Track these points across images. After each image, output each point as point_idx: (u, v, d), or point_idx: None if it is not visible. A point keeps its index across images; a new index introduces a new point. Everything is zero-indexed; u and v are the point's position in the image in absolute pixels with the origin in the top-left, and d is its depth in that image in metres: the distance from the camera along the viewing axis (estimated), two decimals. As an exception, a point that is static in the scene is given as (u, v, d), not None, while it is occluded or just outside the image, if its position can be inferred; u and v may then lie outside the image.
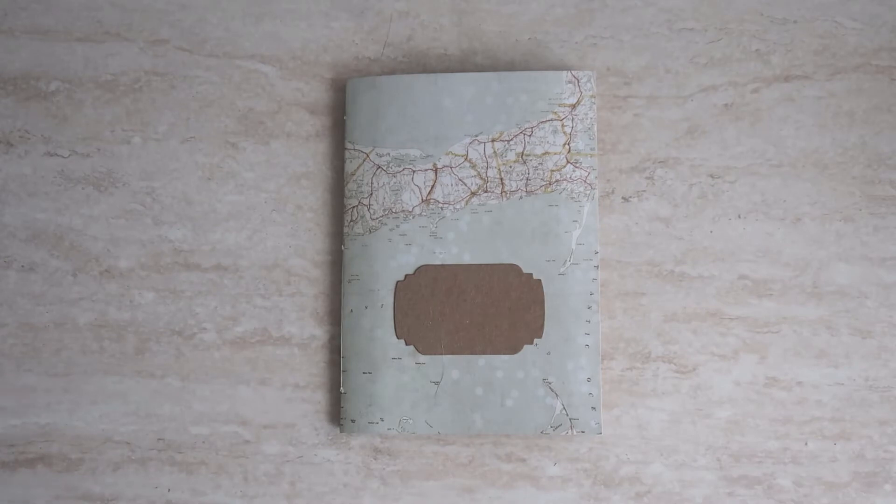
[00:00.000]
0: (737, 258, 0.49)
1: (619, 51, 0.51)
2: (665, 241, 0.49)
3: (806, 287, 0.49)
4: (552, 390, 0.46)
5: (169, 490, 0.48)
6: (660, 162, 0.50)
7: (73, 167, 0.51)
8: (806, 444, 0.47)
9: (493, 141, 0.48)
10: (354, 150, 0.48)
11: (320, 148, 0.50)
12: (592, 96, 0.48)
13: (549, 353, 0.46)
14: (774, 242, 0.49)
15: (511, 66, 0.51)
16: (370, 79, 0.49)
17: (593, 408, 0.46)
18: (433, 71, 0.51)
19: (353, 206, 0.48)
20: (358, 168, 0.48)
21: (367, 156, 0.48)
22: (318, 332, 0.49)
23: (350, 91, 0.49)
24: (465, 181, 0.47)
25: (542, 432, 0.46)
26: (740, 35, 0.51)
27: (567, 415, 0.46)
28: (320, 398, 0.48)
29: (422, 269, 0.47)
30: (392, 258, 0.47)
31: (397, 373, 0.46)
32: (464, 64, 0.51)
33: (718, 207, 0.49)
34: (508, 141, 0.47)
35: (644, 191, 0.50)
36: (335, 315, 0.49)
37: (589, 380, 0.46)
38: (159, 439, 0.48)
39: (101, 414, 0.48)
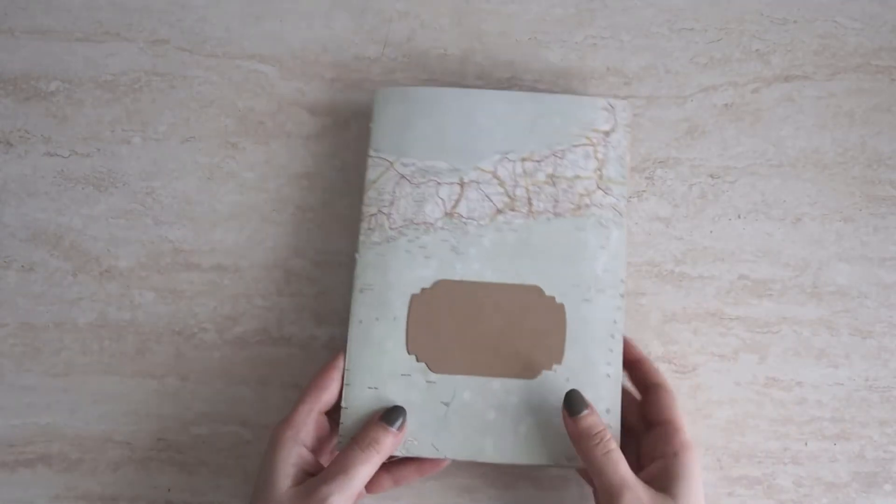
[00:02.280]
0: (737, 258, 0.49)
1: (619, 51, 0.51)
2: (665, 241, 0.49)
3: (806, 287, 0.49)
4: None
5: (169, 490, 0.48)
6: (660, 162, 0.50)
7: (73, 167, 0.51)
8: (806, 444, 0.47)
9: (522, 160, 0.46)
10: (378, 158, 0.47)
11: (320, 148, 0.50)
12: (627, 125, 0.46)
13: (567, 380, 0.43)
14: (774, 242, 0.49)
15: (511, 67, 0.51)
16: (400, 89, 0.48)
17: None
18: (433, 71, 0.51)
19: (372, 214, 0.46)
20: (380, 177, 0.47)
21: (392, 165, 0.46)
22: (318, 332, 0.49)
23: (378, 100, 0.48)
24: (492, 198, 0.46)
25: (555, 463, 0.43)
26: (740, 35, 0.51)
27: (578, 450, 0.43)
28: (320, 398, 0.48)
29: (440, 284, 0.45)
30: (409, 270, 0.45)
31: (405, 390, 0.44)
32: (464, 64, 0.51)
33: (718, 207, 0.49)
34: (539, 161, 0.46)
35: (644, 191, 0.50)
36: (335, 315, 0.49)
37: (608, 411, 0.43)
38: (159, 439, 0.48)
39: (101, 414, 0.48)
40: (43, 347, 0.49)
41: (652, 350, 0.48)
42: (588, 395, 0.43)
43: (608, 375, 0.43)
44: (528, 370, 0.44)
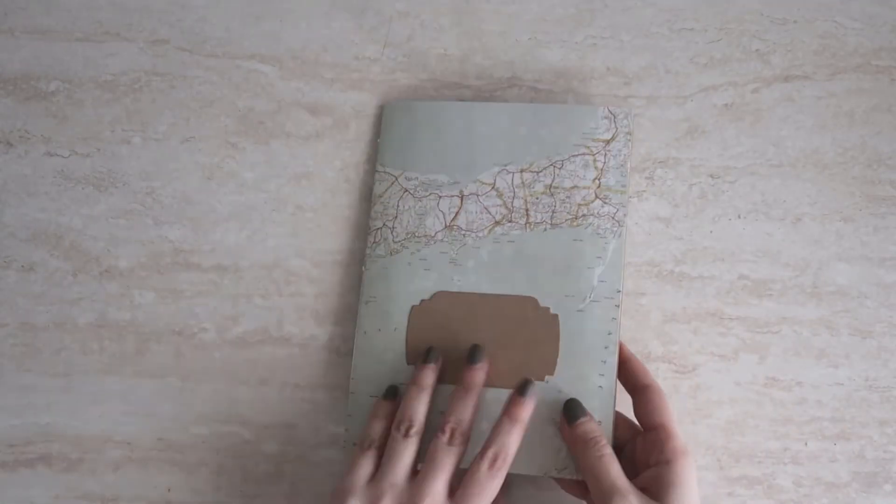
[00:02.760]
0: (737, 258, 0.49)
1: (619, 51, 0.51)
2: (665, 241, 0.49)
3: (806, 287, 0.49)
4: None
5: (169, 490, 0.48)
6: (660, 162, 0.50)
7: (73, 167, 0.51)
8: (806, 444, 0.47)
9: (521, 171, 0.46)
10: (385, 172, 0.48)
11: (320, 148, 0.50)
12: (628, 133, 0.46)
13: (560, 392, 0.43)
14: (774, 242, 0.49)
15: (511, 67, 0.51)
16: (406, 102, 0.49)
17: None
18: (433, 71, 0.51)
19: (378, 228, 0.47)
20: (386, 191, 0.47)
21: (396, 179, 0.47)
22: (318, 332, 0.49)
23: (386, 114, 0.49)
24: (490, 210, 0.46)
25: (545, 474, 0.43)
26: (740, 35, 0.51)
27: (573, 458, 0.43)
28: (320, 398, 0.48)
29: (438, 295, 0.46)
30: (410, 282, 0.46)
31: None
32: (464, 64, 0.51)
33: (718, 207, 0.49)
34: (538, 172, 0.46)
35: (644, 191, 0.50)
36: (335, 315, 0.49)
37: (600, 423, 0.43)
38: (159, 439, 0.48)
39: (101, 414, 0.48)
40: (43, 347, 0.49)
41: (652, 350, 0.48)
42: (583, 403, 0.43)
43: (601, 387, 0.43)
44: None
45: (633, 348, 0.48)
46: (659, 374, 0.48)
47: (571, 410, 0.42)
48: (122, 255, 0.50)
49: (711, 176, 0.50)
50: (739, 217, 0.49)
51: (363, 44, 0.51)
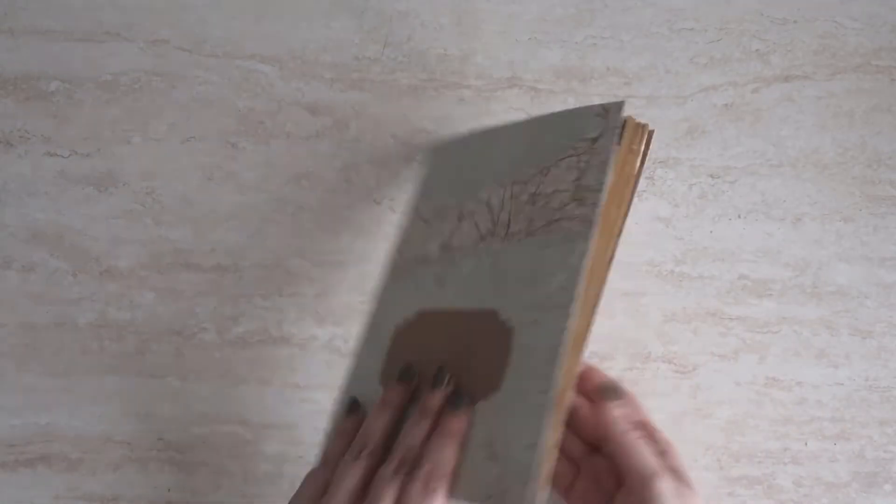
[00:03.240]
0: (737, 258, 0.49)
1: (619, 51, 0.51)
2: (665, 241, 0.49)
3: (806, 287, 0.49)
4: (493, 453, 0.37)
5: (169, 490, 0.48)
6: (660, 162, 0.50)
7: (73, 167, 0.51)
8: (806, 444, 0.47)
9: (513, 184, 0.45)
10: (415, 214, 0.48)
11: (320, 148, 0.51)
12: (616, 127, 0.41)
13: (497, 413, 0.38)
14: (774, 242, 0.49)
15: (511, 67, 0.51)
16: (444, 144, 0.50)
17: (524, 483, 0.35)
18: (433, 71, 0.51)
19: (393, 256, 0.47)
20: (411, 224, 0.48)
21: (418, 210, 0.48)
22: (318, 332, 0.49)
23: (428, 156, 0.50)
24: (479, 225, 0.45)
25: (471, 502, 0.37)
26: (740, 35, 0.51)
27: (500, 485, 0.36)
28: (320, 398, 0.48)
29: (418, 315, 0.44)
30: (399, 302, 0.45)
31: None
32: (464, 64, 0.51)
33: (718, 207, 0.49)
34: (525, 182, 0.44)
35: (644, 191, 0.50)
36: (335, 315, 0.49)
37: (531, 446, 0.35)
38: (159, 439, 0.48)
39: (101, 414, 0.48)
40: (43, 347, 0.49)
41: (652, 350, 0.48)
42: (512, 428, 0.37)
43: (541, 405, 0.36)
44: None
45: (633, 348, 0.48)
46: (659, 374, 0.48)
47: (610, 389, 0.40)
48: (122, 255, 0.50)
49: (711, 176, 0.50)
50: (739, 217, 0.49)
51: (363, 44, 0.51)
